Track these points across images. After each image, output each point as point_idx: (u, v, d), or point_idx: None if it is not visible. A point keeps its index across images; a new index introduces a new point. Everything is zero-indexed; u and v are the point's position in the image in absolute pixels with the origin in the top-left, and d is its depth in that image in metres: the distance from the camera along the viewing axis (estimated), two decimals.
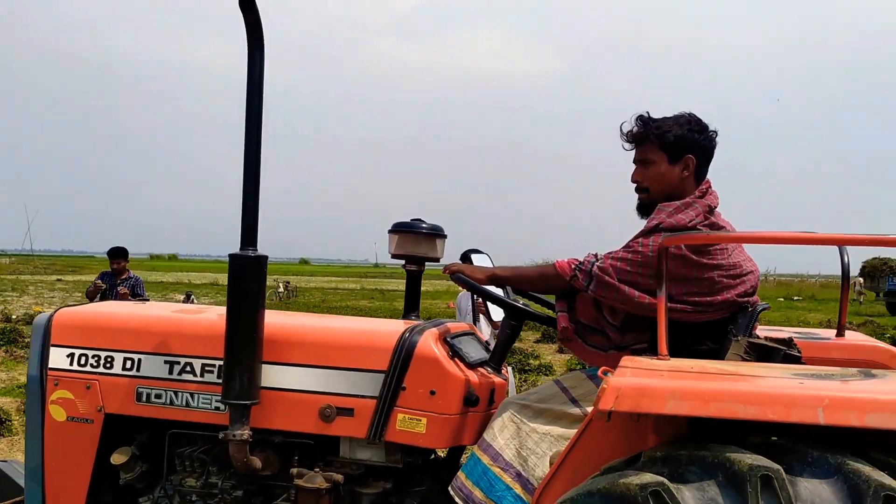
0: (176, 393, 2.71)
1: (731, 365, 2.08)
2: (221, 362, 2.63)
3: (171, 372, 2.72)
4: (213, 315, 2.91)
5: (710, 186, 2.48)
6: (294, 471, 2.61)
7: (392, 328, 2.65)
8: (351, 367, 2.57)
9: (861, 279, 28.51)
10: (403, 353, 2.52)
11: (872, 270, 27.00)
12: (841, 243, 2.31)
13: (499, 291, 2.84)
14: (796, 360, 2.30)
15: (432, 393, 2.49)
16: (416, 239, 3.05)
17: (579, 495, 1.80)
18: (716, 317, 2.35)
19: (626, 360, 2.01)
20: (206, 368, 2.69)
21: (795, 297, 34.57)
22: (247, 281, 2.48)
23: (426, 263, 3.03)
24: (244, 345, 2.47)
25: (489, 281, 2.65)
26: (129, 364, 2.77)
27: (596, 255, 2.44)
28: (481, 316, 6.46)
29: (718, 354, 2.33)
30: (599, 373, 2.05)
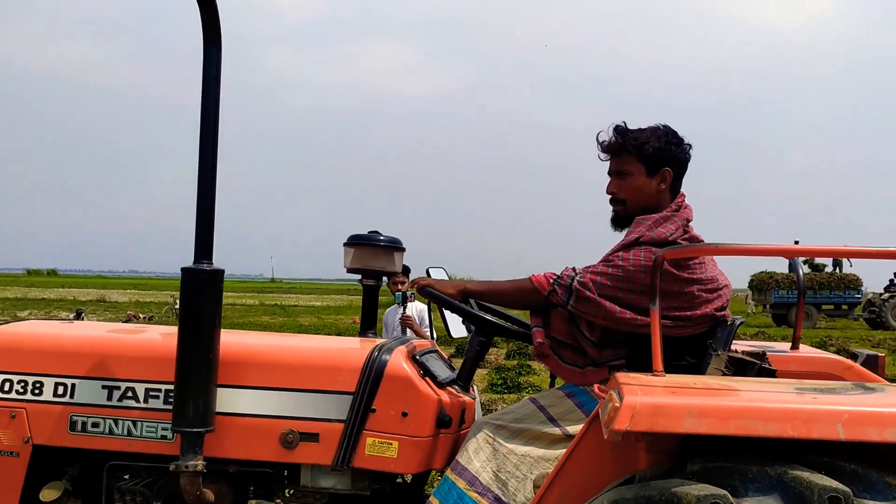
0: (116, 421, 2.46)
1: (730, 381, 2.05)
2: (169, 386, 2.43)
3: (109, 398, 2.48)
4: (155, 335, 2.69)
5: (684, 199, 2.47)
6: (252, 503, 2.42)
7: (358, 346, 2.50)
8: (315, 388, 2.40)
9: (749, 292, 30.00)
10: (373, 372, 2.38)
11: (760, 284, 28.41)
12: (844, 255, 2.32)
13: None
14: (771, 374, 2.30)
15: (404, 415, 2.36)
16: (373, 252, 2.91)
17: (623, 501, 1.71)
18: (695, 331, 2.33)
19: (622, 377, 1.94)
20: (151, 393, 2.46)
21: None
22: (202, 297, 2.28)
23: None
24: (198, 367, 2.27)
25: (459, 295, 2.54)
26: (60, 390, 2.50)
27: (574, 269, 2.38)
28: (408, 331, 6.33)
29: (698, 369, 2.30)
30: (596, 389, 1.98)
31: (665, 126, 2.47)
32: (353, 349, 2.49)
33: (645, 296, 2.26)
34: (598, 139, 2.50)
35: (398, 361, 2.40)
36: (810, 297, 27.23)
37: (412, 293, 6.25)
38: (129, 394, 2.47)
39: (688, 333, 2.32)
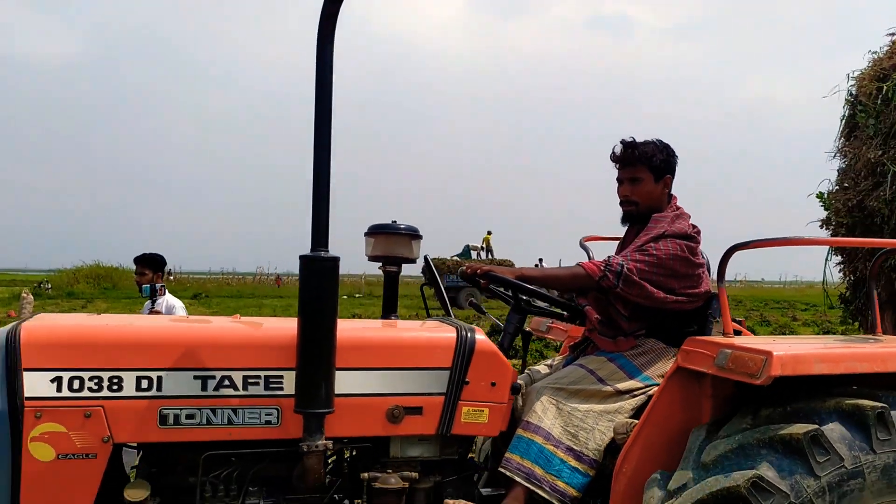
0: (214, 410, 2.42)
1: (790, 338, 2.74)
2: (269, 372, 2.47)
3: (204, 388, 2.42)
4: (236, 323, 2.66)
5: (677, 200, 3.11)
6: (365, 475, 2.56)
7: (444, 327, 2.75)
8: (416, 366, 2.61)
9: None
10: (465, 349, 2.65)
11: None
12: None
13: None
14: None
15: (493, 384, 2.68)
16: (394, 240, 3.13)
17: (738, 447, 2.27)
18: (698, 305, 2.99)
19: (697, 342, 2.53)
20: (250, 380, 2.46)
21: None
22: (322, 283, 2.36)
23: None
24: (321, 351, 2.34)
25: (517, 279, 2.90)
26: (144, 383, 2.37)
27: (609, 259, 2.88)
28: None
29: (701, 334, 2.97)
30: (724, 339, 2.50)
31: (661, 140, 3.09)
32: (445, 329, 2.73)
33: (672, 279, 2.87)
34: (614, 151, 3.04)
35: (484, 338, 2.71)
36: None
37: (162, 286, 6.16)
38: (227, 382, 2.44)
39: (694, 307, 2.98)
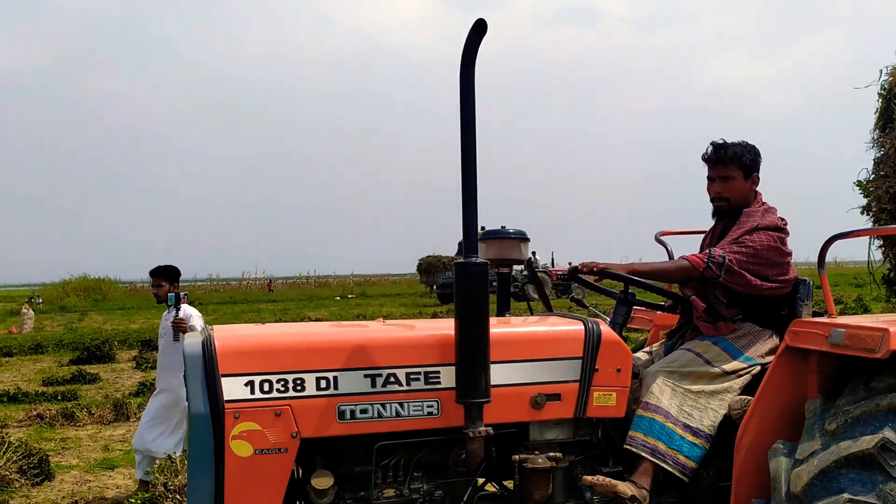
0: (383, 405, 2.69)
1: (880, 315, 3.05)
2: (428, 369, 2.74)
3: (374, 385, 2.69)
4: (392, 327, 2.93)
5: (762, 196, 3.41)
6: (516, 457, 2.84)
7: (571, 321, 3.03)
8: (554, 357, 2.89)
9: (418, 275, 32.95)
10: (593, 339, 2.94)
11: (428, 267, 31.37)
12: None
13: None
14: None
15: (618, 371, 2.97)
16: (506, 244, 3.41)
17: (860, 415, 2.56)
18: (787, 290, 3.29)
19: (806, 323, 2.83)
20: (412, 377, 2.73)
21: None
22: (476, 286, 2.64)
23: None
24: (479, 346, 2.62)
25: (631, 274, 3.19)
26: (323, 383, 2.64)
27: (711, 252, 3.18)
28: (181, 335, 6.09)
29: (791, 317, 3.26)
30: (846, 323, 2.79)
31: (747, 142, 3.38)
32: (573, 322, 3.01)
33: (766, 267, 3.17)
34: (706, 152, 3.34)
35: (608, 330, 3.00)
36: None
37: (185, 294, 6.34)
38: (392, 379, 2.70)
39: (784, 292, 3.28)
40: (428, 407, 2.73)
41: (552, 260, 33.90)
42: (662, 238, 4.07)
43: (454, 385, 2.67)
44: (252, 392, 2.56)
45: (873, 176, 5.43)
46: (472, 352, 2.61)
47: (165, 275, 6.53)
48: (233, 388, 2.54)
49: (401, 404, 2.71)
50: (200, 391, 2.53)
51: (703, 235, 3.66)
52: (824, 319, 2.86)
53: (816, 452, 2.61)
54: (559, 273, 33.03)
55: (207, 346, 2.56)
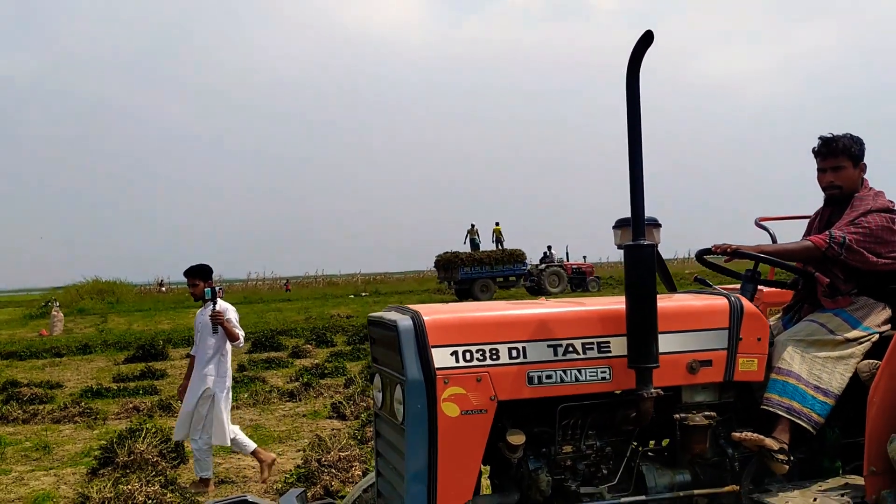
0: (565, 371, 3.05)
1: None
2: (601, 339, 3.10)
3: (555, 354, 3.05)
4: (568, 304, 3.29)
5: (868, 182, 3.77)
6: (677, 416, 3.20)
7: (716, 297, 3.39)
8: (705, 328, 3.25)
9: (436, 271, 33.35)
10: (737, 311, 3.30)
11: (447, 263, 31.77)
12: None
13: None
14: None
15: (759, 339, 3.33)
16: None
17: None
18: None
19: None
20: (587, 346, 3.09)
21: None
22: (644, 266, 3.00)
23: None
24: (648, 318, 2.99)
25: (762, 254, 3.55)
26: (514, 353, 3.00)
27: (832, 233, 3.53)
28: (219, 329, 6.72)
29: None
30: None
31: (854, 134, 3.74)
32: (718, 298, 3.38)
33: (880, 245, 3.52)
34: (816, 146, 3.70)
35: (748, 303, 3.36)
36: (488, 271, 31.20)
37: (221, 289, 6.79)
38: (570, 349, 3.07)
39: (894, 268, 3.64)
40: (602, 372, 3.09)
41: (567, 254, 34.31)
42: (763, 223, 4.44)
43: (623, 353, 3.04)
44: (457, 361, 2.92)
45: None
46: (643, 323, 2.97)
47: (200, 274, 6.87)
48: (442, 358, 2.90)
49: (579, 371, 3.07)
50: (415, 361, 2.89)
51: (804, 221, 4.03)
52: None
53: None
54: (574, 266, 33.43)
55: (418, 323, 2.93)
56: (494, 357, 2.97)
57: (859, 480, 3.28)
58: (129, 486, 5.81)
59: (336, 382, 11.55)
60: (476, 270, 31.05)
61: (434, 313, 3.03)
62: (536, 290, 32.04)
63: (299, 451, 7.36)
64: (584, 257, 33.44)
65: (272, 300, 38.61)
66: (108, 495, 5.73)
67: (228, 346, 6.80)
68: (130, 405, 9.81)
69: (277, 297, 41.18)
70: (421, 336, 2.90)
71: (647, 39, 2.92)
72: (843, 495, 3.18)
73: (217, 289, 6.66)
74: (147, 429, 6.96)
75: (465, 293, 31.03)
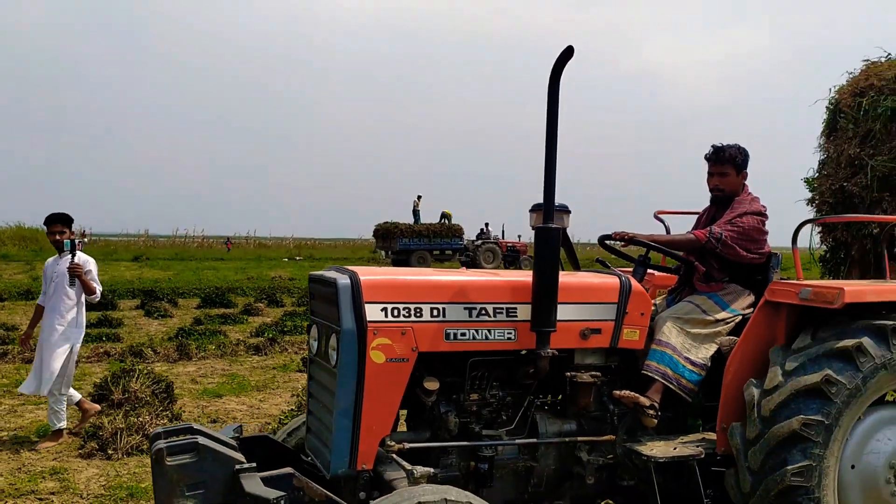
0: (477, 330, 3.59)
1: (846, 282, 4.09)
2: (509, 305, 3.66)
3: (470, 315, 3.59)
4: (485, 274, 3.82)
5: (748, 187, 4.42)
6: (568, 374, 3.80)
7: (607, 275, 3.99)
8: (598, 301, 3.85)
9: (375, 240, 33.77)
10: (626, 289, 3.90)
11: (385, 232, 32.24)
12: None
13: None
14: None
15: (642, 314, 3.95)
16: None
17: (811, 357, 3.56)
18: (763, 261, 4.32)
19: (782, 284, 3.85)
20: (497, 311, 3.64)
21: None
22: (550, 247, 3.55)
23: None
24: (550, 290, 3.54)
25: (653, 243, 4.16)
26: (435, 312, 3.53)
27: (711, 229, 4.17)
28: (76, 281, 6.67)
29: (765, 282, 4.29)
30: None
31: (741, 145, 4.37)
32: (611, 276, 3.97)
33: (750, 242, 4.18)
34: (708, 153, 4.32)
35: (635, 283, 3.97)
36: (426, 244, 31.79)
37: (80, 241, 6.76)
38: (483, 312, 3.60)
39: (761, 262, 4.30)
40: (508, 333, 3.65)
41: (503, 232, 35.09)
42: (661, 216, 5.08)
43: (527, 318, 3.60)
44: (386, 316, 3.43)
45: (818, 174, 6.57)
46: (545, 293, 3.53)
47: (65, 220, 6.59)
48: (373, 312, 3.41)
49: (489, 331, 3.61)
50: (350, 314, 3.39)
51: (695, 216, 4.68)
52: (795, 281, 3.90)
53: (779, 386, 3.58)
54: (508, 244, 34.27)
55: (354, 282, 3.43)
56: (418, 314, 3.50)
57: (713, 436, 3.94)
58: (140, 419, 6.30)
59: (298, 340, 12.04)
60: (414, 242, 31.70)
61: (369, 274, 3.54)
62: (471, 265, 32.64)
63: (281, 398, 8.27)
64: (519, 236, 34.23)
65: (204, 258, 38.41)
66: (120, 426, 6.19)
67: (83, 298, 6.71)
68: (101, 350, 10.26)
69: (209, 256, 40.95)
70: (357, 293, 3.40)
71: (568, 53, 3.45)
72: (698, 446, 3.84)
73: (77, 241, 6.54)
74: (139, 370, 7.47)
75: (402, 263, 31.51)
